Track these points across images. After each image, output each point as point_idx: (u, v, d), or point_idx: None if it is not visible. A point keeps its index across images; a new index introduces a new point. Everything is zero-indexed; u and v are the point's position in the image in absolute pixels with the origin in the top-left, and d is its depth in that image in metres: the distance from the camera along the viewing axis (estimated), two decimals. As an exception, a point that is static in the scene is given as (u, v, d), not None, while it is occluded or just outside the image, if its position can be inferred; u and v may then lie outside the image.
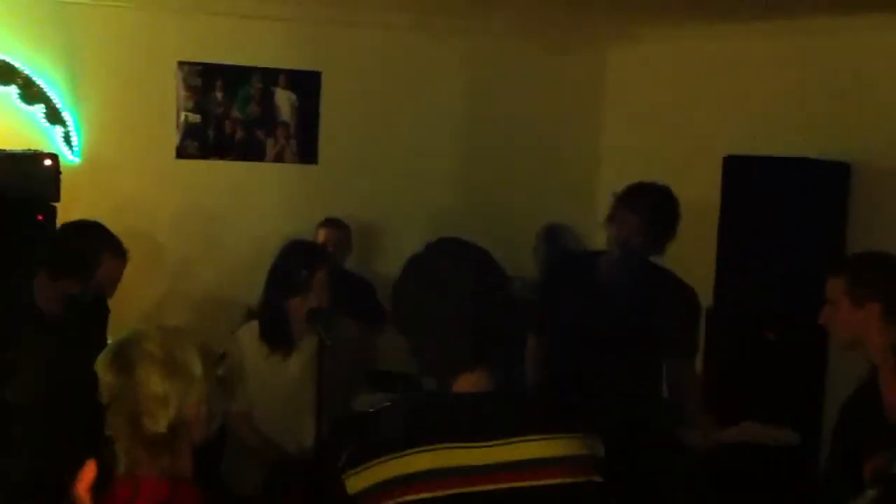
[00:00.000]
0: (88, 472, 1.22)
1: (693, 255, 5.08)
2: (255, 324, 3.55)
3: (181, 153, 5.40)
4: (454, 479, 1.76)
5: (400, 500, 1.74)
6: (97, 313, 3.60)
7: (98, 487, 1.45)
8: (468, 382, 1.85)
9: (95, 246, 3.36)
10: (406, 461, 1.76)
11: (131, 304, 4.20)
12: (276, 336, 3.46)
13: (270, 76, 5.52)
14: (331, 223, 5.08)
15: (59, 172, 4.66)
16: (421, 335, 1.88)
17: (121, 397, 1.84)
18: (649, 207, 3.41)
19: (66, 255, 3.36)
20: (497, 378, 1.87)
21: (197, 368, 1.90)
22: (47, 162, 4.64)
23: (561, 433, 1.83)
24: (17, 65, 4.93)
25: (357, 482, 1.77)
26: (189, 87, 5.38)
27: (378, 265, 5.66)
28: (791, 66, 4.97)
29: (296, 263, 3.48)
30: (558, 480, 1.79)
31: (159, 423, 1.85)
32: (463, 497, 1.75)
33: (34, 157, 4.66)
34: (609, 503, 1.87)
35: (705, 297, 4.70)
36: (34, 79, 4.96)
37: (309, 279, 3.42)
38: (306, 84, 5.59)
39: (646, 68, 5.91)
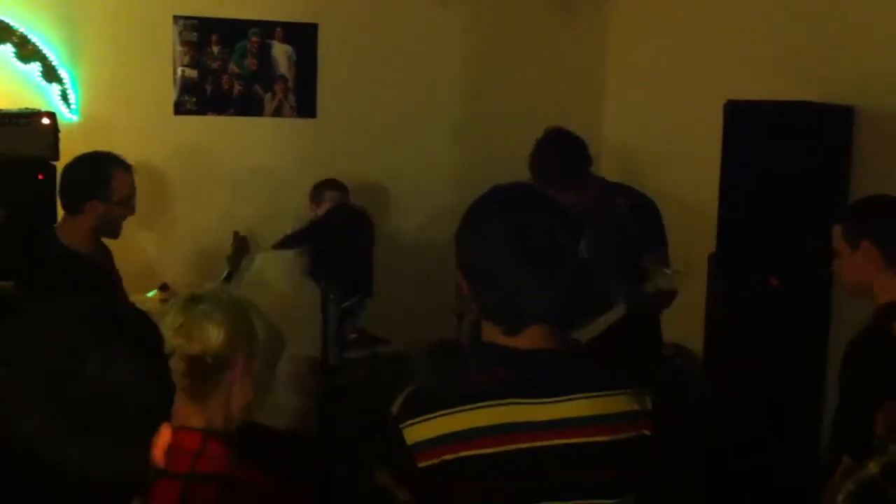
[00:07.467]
0: (164, 434, 1.19)
1: (695, 202, 5.08)
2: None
3: (179, 109, 5.36)
4: (517, 435, 1.74)
5: (462, 454, 1.72)
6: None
7: None
8: (532, 337, 1.79)
9: (105, 161, 3.46)
10: (473, 415, 1.73)
11: (129, 260, 4.20)
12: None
13: (267, 29, 5.46)
14: (334, 185, 5.00)
15: (58, 131, 4.62)
16: (493, 285, 1.78)
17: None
18: (558, 171, 3.77)
19: (81, 178, 3.43)
20: (558, 333, 1.83)
21: (259, 332, 2.00)
22: (45, 121, 4.60)
23: (614, 389, 1.83)
24: (11, 23, 4.87)
25: (418, 432, 1.73)
26: (185, 43, 5.32)
27: (377, 219, 5.63)
28: (792, 9, 4.90)
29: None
30: (610, 437, 1.80)
31: (209, 344, 1.89)
32: (522, 452, 1.74)
33: (32, 117, 4.62)
34: (654, 454, 1.86)
35: (709, 244, 4.70)
36: (29, 37, 4.90)
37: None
38: (303, 37, 5.53)
39: (647, 17, 5.84)
